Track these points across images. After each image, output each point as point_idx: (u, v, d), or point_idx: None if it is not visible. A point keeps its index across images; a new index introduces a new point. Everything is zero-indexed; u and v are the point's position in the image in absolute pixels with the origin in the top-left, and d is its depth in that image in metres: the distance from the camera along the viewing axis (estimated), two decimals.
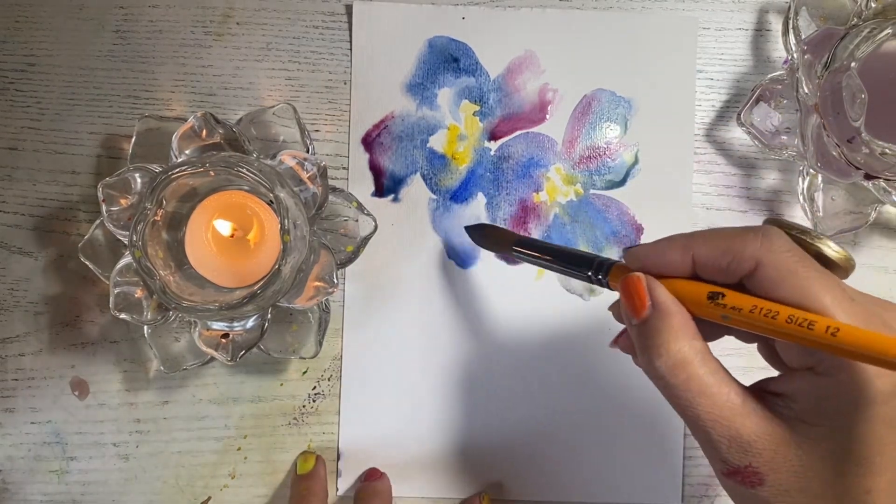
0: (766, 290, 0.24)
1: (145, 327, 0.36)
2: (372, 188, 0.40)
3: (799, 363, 0.25)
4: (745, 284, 0.25)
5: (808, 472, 0.25)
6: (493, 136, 0.41)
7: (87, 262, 0.36)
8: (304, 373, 0.41)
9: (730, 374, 0.27)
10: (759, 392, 0.26)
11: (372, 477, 0.39)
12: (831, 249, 0.26)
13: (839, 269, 0.26)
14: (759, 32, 0.41)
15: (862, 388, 0.23)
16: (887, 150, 0.34)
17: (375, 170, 0.41)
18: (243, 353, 0.35)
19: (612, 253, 0.40)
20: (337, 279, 0.35)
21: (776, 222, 0.27)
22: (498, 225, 0.39)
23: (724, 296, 0.25)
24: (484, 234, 0.38)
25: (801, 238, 0.26)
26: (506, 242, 0.35)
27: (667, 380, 0.26)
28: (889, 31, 0.34)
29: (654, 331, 0.26)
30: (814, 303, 0.23)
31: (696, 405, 0.25)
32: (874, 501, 0.24)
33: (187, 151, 0.35)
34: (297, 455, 0.40)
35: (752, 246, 0.25)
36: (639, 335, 0.27)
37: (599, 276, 0.29)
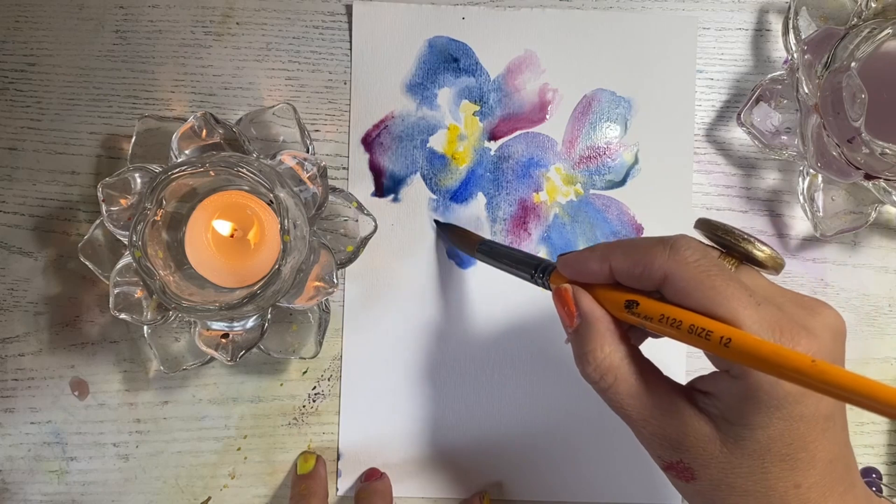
0: (678, 299, 0.25)
1: (145, 327, 0.36)
2: (372, 188, 0.40)
3: (718, 365, 0.26)
4: (661, 293, 0.26)
5: (735, 468, 0.25)
6: (493, 136, 0.41)
7: (86, 262, 0.36)
8: (304, 373, 0.41)
9: (660, 373, 0.28)
10: (691, 390, 0.27)
11: (372, 477, 0.39)
12: (758, 250, 0.26)
13: (768, 268, 0.27)
14: (759, 32, 0.41)
15: (771, 390, 0.24)
16: (887, 150, 0.34)
17: (375, 170, 0.41)
18: (243, 353, 0.35)
19: None
20: (337, 279, 0.35)
21: (705, 223, 0.28)
22: (465, 228, 0.40)
23: (638, 304, 0.26)
24: (452, 233, 0.39)
25: (726, 239, 0.27)
26: (471, 244, 0.37)
27: (598, 384, 0.27)
28: (889, 31, 0.34)
29: (583, 339, 0.28)
30: (719, 310, 0.24)
31: (626, 406, 0.27)
32: (804, 496, 0.25)
33: (187, 151, 0.35)
34: (298, 455, 0.40)
35: (660, 259, 0.26)
36: (573, 344, 0.28)
37: (544, 279, 0.31)
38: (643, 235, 0.41)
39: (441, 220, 0.40)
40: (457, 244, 0.39)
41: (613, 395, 0.27)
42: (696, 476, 0.26)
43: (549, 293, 0.40)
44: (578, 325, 0.28)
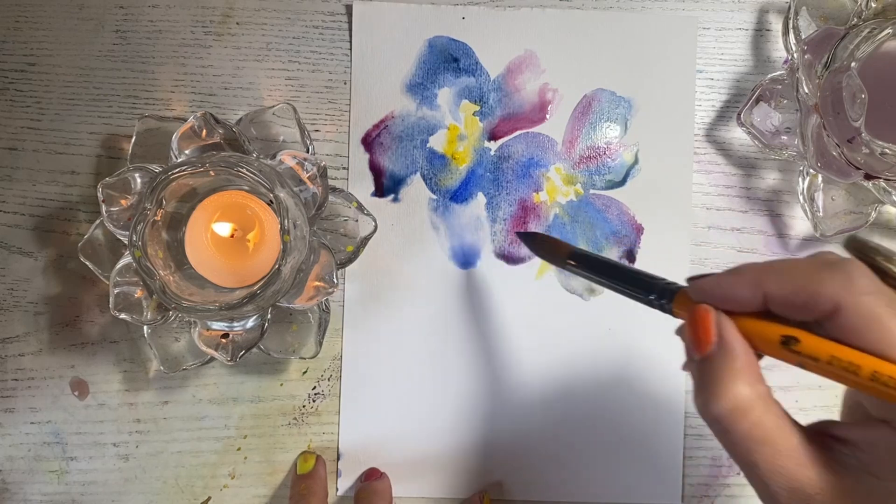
0: (847, 336, 0.22)
1: (145, 327, 0.36)
2: (372, 188, 0.40)
3: (878, 413, 0.23)
4: (823, 325, 0.23)
5: None
6: (493, 136, 0.41)
7: (86, 262, 0.36)
8: (304, 373, 0.41)
9: (790, 418, 0.25)
10: (820, 435, 0.24)
11: (372, 477, 0.39)
12: None
13: None
14: (759, 32, 0.41)
15: None
16: (887, 150, 0.34)
17: (375, 170, 0.41)
18: (243, 353, 0.35)
19: (612, 253, 0.40)
20: (337, 279, 0.35)
21: (857, 244, 0.23)
22: (552, 235, 0.37)
23: (798, 341, 0.23)
24: (536, 243, 0.37)
25: (887, 266, 0.23)
26: (559, 254, 0.33)
27: (723, 425, 0.24)
28: (889, 31, 0.34)
29: (716, 371, 0.24)
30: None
31: (756, 453, 0.23)
32: None
33: (187, 151, 0.35)
34: (298, 455, 0.40)
35: (831, 287, 0.22)
36: (699, 373, 0.25)
37: (663, 302, 0.27)
38: (641, 226, 0.41)
39: (524, 231, 0.38)
40: (541, 254, 0.36)
41: (742, 441, 0.23)
42: None
43: (549, 292, 0.41)
44: (712, 354, 0.24)
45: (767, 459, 0.23)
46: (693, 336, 0.25)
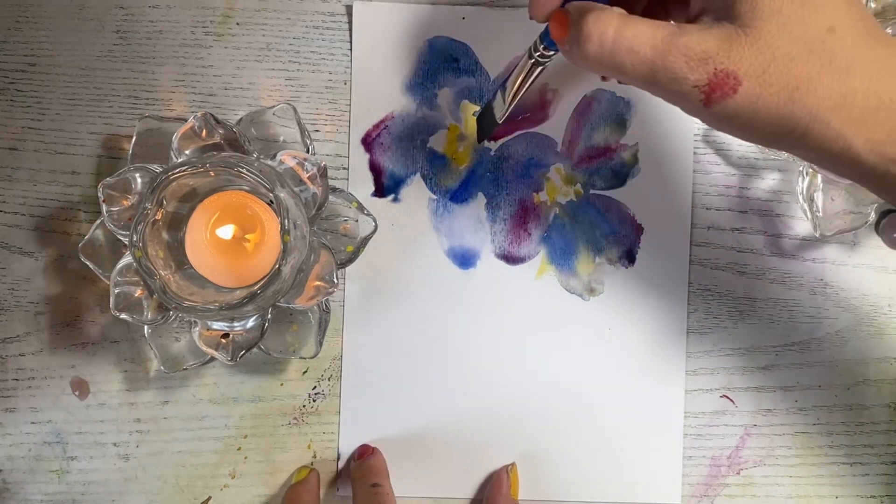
0: None
1: (145, 327, 0.36)
2: (372, 188, 0.41)
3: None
4: None
5: (767, 40, 0.25)
6: (493, 136, 0.41)
7: (87, 262, 0.36)
8: (304, 373, 0.41)
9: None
10: (684, 25, 0.27)
11: (365, 454, 0.39)
12: None
13: None
14: None
15: None
16: None
17: (375, 170, 0.41)
18: (243, 353, 0.35)
19: (613, 253, 0.40)
20: (337, 279, 0.35)
21: None
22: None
23: None
24: (484, 121, 0.39)
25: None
26: (489, 116, 0.37)
27: (602, 51, 0.26)
28: (889, 31, 0.34)
29: (576, 28, 0.27)
30: None
31: (638, 48, 0.26)
32: (839, 39, 0.24)
33: (187, 151, 0.35)
34: (294, 470, 0.40)
35: None
36: (571, 50, 0.28)
37: (542, 47, 0.31)
38: (641, 226, 0.41)
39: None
40: (490, 126, 0.39)
41: (621, 55, 0.26)
42: (740, 76, 0.25)
43: (549, 292, 0.41)
44: (571, 25, 0.27)
45: (650, 46, 0.26)
46: (558, 35, 0.28)
